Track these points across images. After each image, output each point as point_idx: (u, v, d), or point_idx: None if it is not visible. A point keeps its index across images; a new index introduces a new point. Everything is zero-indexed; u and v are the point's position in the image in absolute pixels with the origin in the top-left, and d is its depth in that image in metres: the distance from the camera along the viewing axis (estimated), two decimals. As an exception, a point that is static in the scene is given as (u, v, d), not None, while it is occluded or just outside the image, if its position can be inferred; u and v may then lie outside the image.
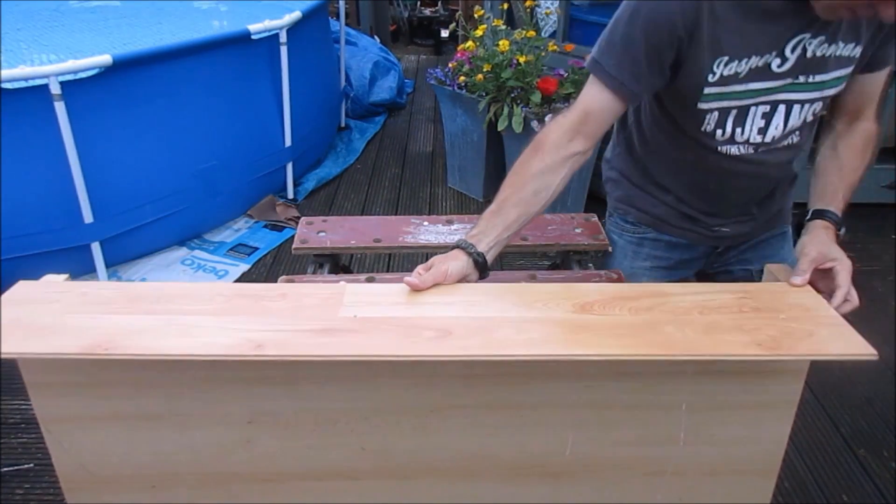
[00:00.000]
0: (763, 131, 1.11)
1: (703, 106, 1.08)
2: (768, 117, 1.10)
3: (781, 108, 1.09)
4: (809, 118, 1.12)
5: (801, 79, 1.06)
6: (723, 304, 0.91)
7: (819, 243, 1.02)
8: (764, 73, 1.04)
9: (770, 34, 1.01)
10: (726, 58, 1.02)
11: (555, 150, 1.03)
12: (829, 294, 0.97)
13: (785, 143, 1.15)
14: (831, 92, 1.09)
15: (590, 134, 1.05)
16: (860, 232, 3.00)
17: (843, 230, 1.07)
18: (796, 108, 1.09)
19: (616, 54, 1.02)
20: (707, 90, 1.05)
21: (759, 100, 1.07)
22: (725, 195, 1.25)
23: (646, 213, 1.34)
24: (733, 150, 1.14)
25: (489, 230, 1.00)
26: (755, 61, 1.03)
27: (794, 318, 0.88)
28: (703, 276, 1.44)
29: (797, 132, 1.14)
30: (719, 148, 1.14)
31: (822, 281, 0.99)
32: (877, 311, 2.50)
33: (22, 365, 0.87)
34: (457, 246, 0.99)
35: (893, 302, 2.56)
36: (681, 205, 1.29)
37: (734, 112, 1.09)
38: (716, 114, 1.09)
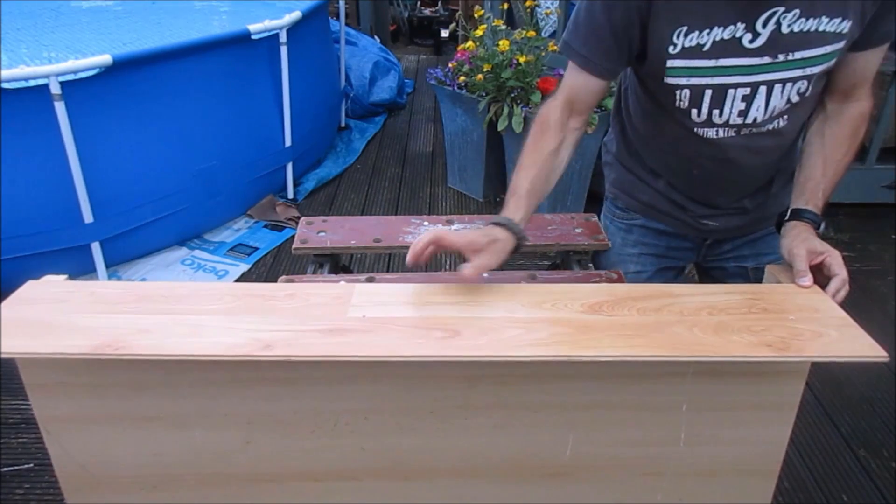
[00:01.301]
0: (744, 113, 1.08)
1: (671, 81, 1.06)
2: (749, 99, 1.07)
3: (762, 89, 1.06)
4: (795, 98, 1.08)
5: (781, 57, 1.02)
6: (731, 305, 0.91)
7: (804, 240, 1.02)
8: (733, 48, 1.01)
9: (734, 6, 0.98)
10: (685, 28, 1.00)
11: (560, 128, 1.09)
12: (822, 286, 0.98)
13: (769, 127, 1.11)
14: (817, 70, 1.04)
15: (581, 111, 1.11)
16: (860, 232, 3.00)
17: (821, 227, 1.06)
18: (777, 87, 1.06)
19: (582, 34, 1.05)
20: (671, 63, 1.04)
21: (736, 80, 1.05)
22: (712, 182, 1.22)
23: (635, 198, 1.34)
24: (711, 133, 1.12)
25: (521, 206, 1.03)
26: (718, 33, 1.00)
27: (804, 319, 0.88)
28: (699, 270, 1.44)
29: (784, 117, 1.10)
30: (696, 130, 1.12)
31: (815, 276, 0.99)
32: (877, 311, 2.50)
33: (21, 366, 0.87)
34: (499, 224, 0.99)
35: (893, 302, 2.56)
36: (671, 191, 1.28)
37: (709, 92, 1.06)
38: (687, 91, 1.07)
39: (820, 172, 1.10)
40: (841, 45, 1.03)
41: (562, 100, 1.09)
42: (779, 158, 1.20)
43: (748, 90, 1.06)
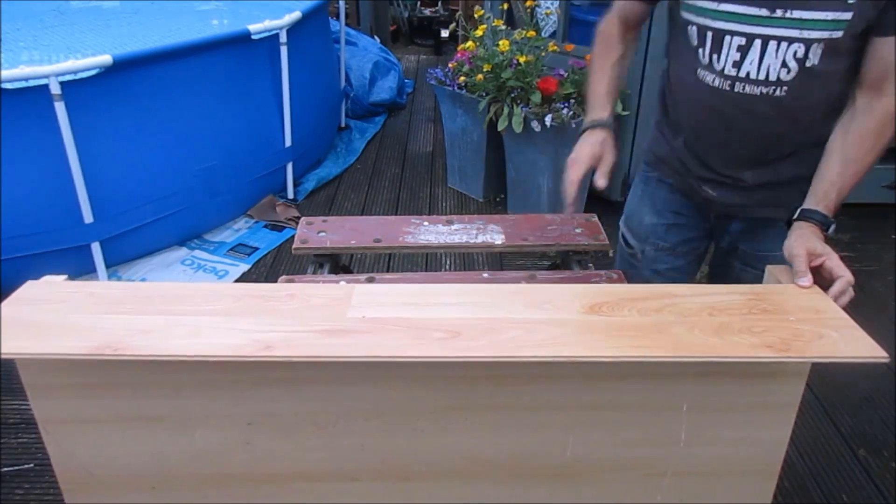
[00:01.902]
0: (738, 65, 1.11)
1: (685, 15, 1.16)
2: (743, 50, 1.09)
3: (757, 42, 1.08)
4: (792, 64, 1.07)
5: (778, 12, 1.04)
6: (732, 305, 0.92)
7: (804, 240, 1.02)
8: None
9: None
10: None
11: (622, 39, 1.31)
12: (822, 287, 0.97)
13: (763, 90, 1.11)
14: (817, 35, 1.04)
15: (633, 26, 1.32)
16: (860, 232, 3.00)
17: (832, 228, 1.06)
18: (772, 44, 1.07)
19: None
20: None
21: (733, 27, 1.08)
22: (707, 136, 1.24)
23: (654, 154, 1.40)
24: (709, 78, 1.16)
25: (607, 104, 1.27)
26: None
27: (804, 320, 0.89)
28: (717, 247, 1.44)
29: (784, 88, 1.10)
30: (699, 71, 1.17)
31: (815, 277, 0.99)
32: (877, 311, 2.50)
33: (21, 366, 0.87)
34: (596, 126, 1.25)
35: (893, 302, 2.56)
36: (682, 150, 1.31)
37: (710, 34, 1.13)
38: (695, 29, 1.15)
39: (836, 172, 1.09)
40: (848, 16, 1.02)
41: (617, 17, 1.31)
42: (779, 134, 1.18)
43: (743, 40, 1.09)
